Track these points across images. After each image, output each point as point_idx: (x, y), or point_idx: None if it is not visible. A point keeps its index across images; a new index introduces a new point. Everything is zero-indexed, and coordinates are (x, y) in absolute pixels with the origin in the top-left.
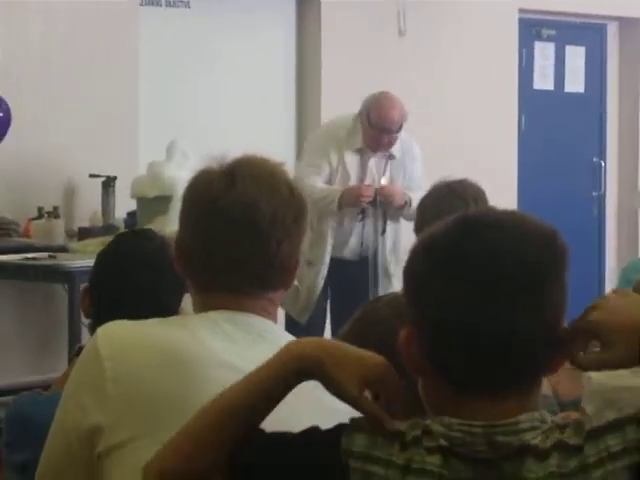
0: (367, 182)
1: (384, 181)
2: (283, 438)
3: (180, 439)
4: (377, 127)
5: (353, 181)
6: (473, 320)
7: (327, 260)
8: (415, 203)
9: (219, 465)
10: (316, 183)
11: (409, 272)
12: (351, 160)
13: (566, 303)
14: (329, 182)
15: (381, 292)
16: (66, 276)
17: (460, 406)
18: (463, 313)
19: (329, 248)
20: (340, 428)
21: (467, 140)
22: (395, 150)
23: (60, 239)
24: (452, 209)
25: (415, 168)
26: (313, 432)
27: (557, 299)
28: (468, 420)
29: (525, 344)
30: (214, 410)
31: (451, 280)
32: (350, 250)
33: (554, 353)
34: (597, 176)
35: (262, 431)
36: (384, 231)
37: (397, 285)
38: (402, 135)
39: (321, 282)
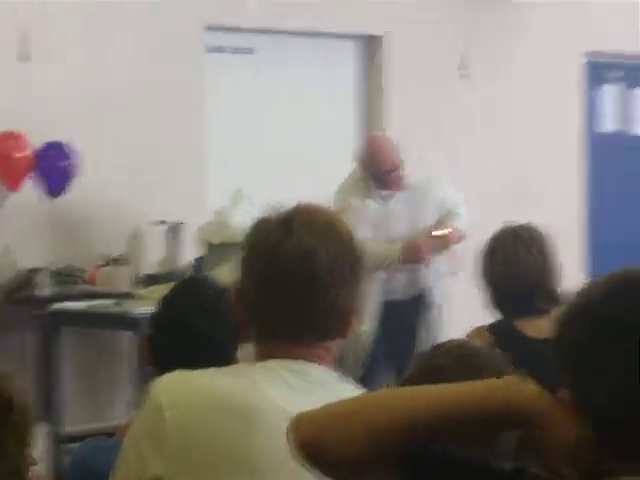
0: (393, 224)
1: (439, 232)
2: (462, 463)
3: (355, 426)
4: (378, 174)
5: (380, 225)
6: None
7: (375, 311)
8: (465, 228)
9: (369, 465)
10: (366, 237)
11: (565, 340)
12: (373, 206)
13: None
14: None
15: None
16: (132, 323)
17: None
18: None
19: (377, 298)
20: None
21: (532, 184)
22: (412, 178)
23: (126, 286)
24: (520, 258)
25: (440, 189)
26: (491, 467)
27: None
28: None
29: None
30: (403, 412)
31: (615, 349)
32: (401, 289)
33: None
34: None
35: (437, 448)
36: (454, 272)
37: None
38: (415, 162)
39: (373, 331)
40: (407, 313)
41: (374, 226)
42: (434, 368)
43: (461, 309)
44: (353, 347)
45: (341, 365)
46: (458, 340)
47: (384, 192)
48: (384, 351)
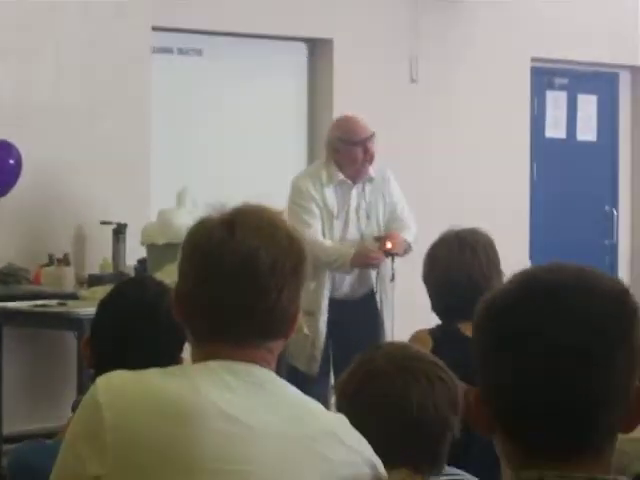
0: (351, 215)
1: (389, 245)
2: None
3: None
4: (358, 140)
5: (335, 215)
6: (542, 387)
7: (326, 305)
8: (412, 242)
9: None
10: (318, 235)
11: (476, 339)
12: (331, 195)
13: (638, 365)
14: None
15: (387, 333)
16: (76, 323)
17: (532, 466)
18: (531, 382)
19: (327, 293)
20: None
21: (478, 187)
22: (372, 172)
23: (70, 286)
24: (463, 261)
25: (394, 194)
26: None
27: (629, 362)
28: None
29: (596, 409)
30: None
31: (519, 351)
32: (350, 287)
33: (628, 415)
34: (609, 224)
35: None
36: (393, 278)
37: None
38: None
39: (324, 329)
40: (356, 314)
41: (329, 215)
42: (372, 371)
43: (406, 311)
44: (302, 344)
45: (292, 364)
46: (397, 343)
47: (347, 181)
48: (332, 351)
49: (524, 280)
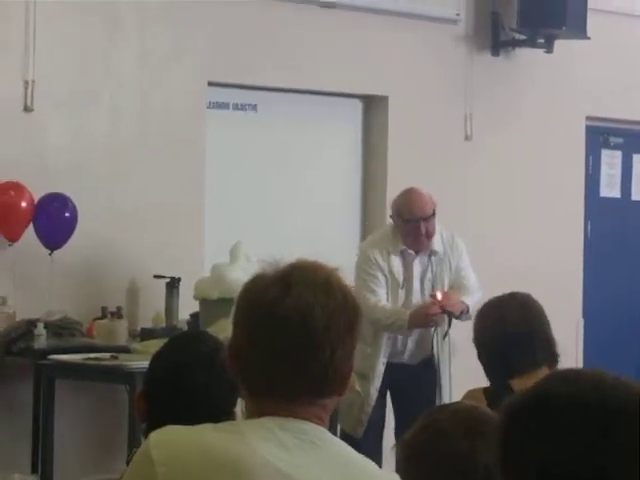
0: (415, 283)
1: (439, 295)
2: None
3: None
4: (412, 220)
5: (400, 284)
6: None
7: (381, 371)
8: (471, 307)
9: None
10: (380, 300)
11: (499, 436)
12: (397, 264)
13: None
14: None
15: (445, 394)
16: (127, 377)
17: None
18: None
19: (384, 359)
20: None
21: (532, 246)
22: (437, 245)
23: (123, 339)
24: (518, 313)
25: (462, 262)
26: None
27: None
28: None
29: None
30: None
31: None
32: (409, 354)
33: None
34: None
35: None
36: (446, 335)
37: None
38: (442, 232)
39: (375, 394)
40: (416, 377)
41: (394, 284)
42: (436, 432)
43: (464, 372)
44: (350, 405)
45: (340, 423)
46: (464, 403)
47: (410, 251)
48: (394, 411)
49: (537, 392)
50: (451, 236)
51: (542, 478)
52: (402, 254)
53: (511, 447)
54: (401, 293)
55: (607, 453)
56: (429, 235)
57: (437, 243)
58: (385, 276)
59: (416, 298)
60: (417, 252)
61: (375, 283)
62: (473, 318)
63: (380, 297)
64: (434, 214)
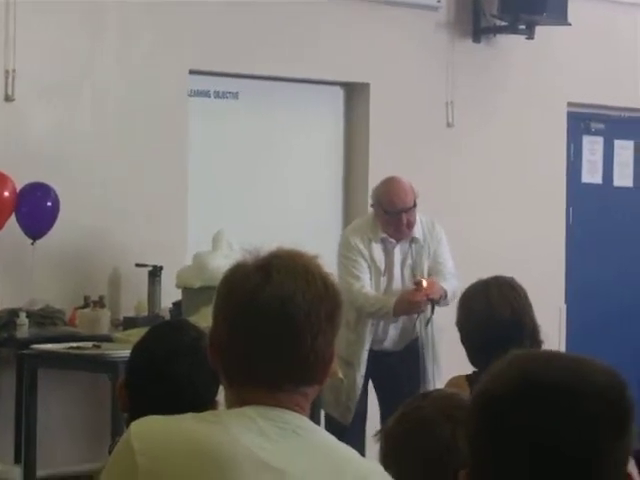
0: (395, 270)
1: (425, 283)
2: None
3: None
4: (392, 211)
5: (382, 271)
6: None
7: (365, 358)
8: (449, 293)
9: None
10: (364, 287)
11: (468, 427)
12: (378, 251)
13: (627, 457)
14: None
15: (429, 380)
16: (110, 366)
17: None
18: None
19: (367, 346)
20: None
21: (514, 233)
22: (417, 233)
23: (105, 328)
24: (504, 296)
25: (440, 248)
26: None
27: (618, 459)
28: None
29: None
30: None
31: (502, 448)
32: (391, 341)
33: None
34: None
35: None
36: (428, 322)
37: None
38: (422, 218)
39: (361, 381)
40: (398, 363)
41: (376, 271)
42: (420, 419)
43: (448, 358)
44: (337, 393)
45: (327, 410)
46: (444, 391)
47: (390, 239)
48: (378, 399)
49: (517, 378)
50: (431, 223)
51: (533, 461)
52: (383, 242)
53: (495, 433)
54: (382, 280)
55: (589, 440)
56: (410, 225)
57: (417, 231)
58: (367, 263)
59: (397, 285)
60: (397, 240)
61: (358, 269)
62: (457, 300)
63: (364, 283)
64: (415, 205)
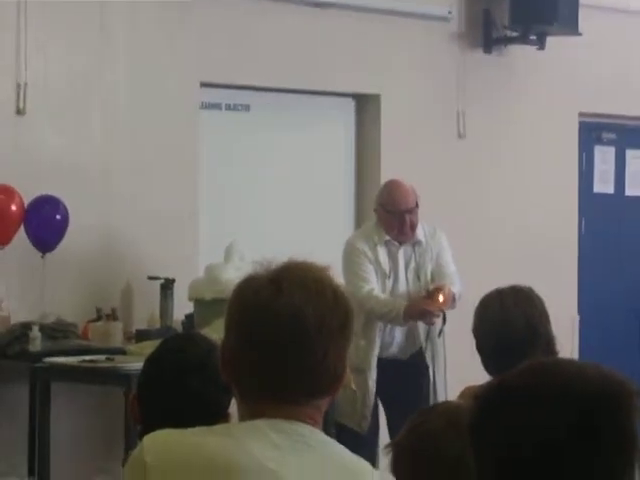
0: (400, 273)
1: (441, 298)
2: None
3: None
4: (395, 211)
5: (387, 274)
6: None
7: (375, 363)
8: (456, 296)
9: None
10: (374, 290)
11: (467, 423)
12: (383, 254)
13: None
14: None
15: (440, 391)
16: (123, 379)
17: None
18: None
19: (377, 351)
20: None
21: (527, 243)
22: (420, 236)
23: (118, 341)
24: (507, 311)
25: (443, 252)
26: None
27: (601, 471)
28: None
29: None
30: None
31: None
32: (398, 347)
33: None
34: None
35: None
36: (440, 333)
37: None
38: (423, 225)
39: (374, 387)
40: (405, 374)
41: (382, 274)
42: (426, 433)
43: (458, 369)
44: (352, 402)
45: (340, 422)
46: (451, 403)
47: (394, 242)
48: (385, 411)
49: (493, 385)
50: (433, 228)
51: (500, 466)
52: (387, 245)
53: (475, 435)
54: (388, 283)
55: (564, 446)
56: (413, 227)
57: (420, 234)
58: (373, 265)
59: (402, 287)
60: (401, 243)
61: (366, 272)
62: (475, 308)
63: (373, 285)
64: (417, 206)
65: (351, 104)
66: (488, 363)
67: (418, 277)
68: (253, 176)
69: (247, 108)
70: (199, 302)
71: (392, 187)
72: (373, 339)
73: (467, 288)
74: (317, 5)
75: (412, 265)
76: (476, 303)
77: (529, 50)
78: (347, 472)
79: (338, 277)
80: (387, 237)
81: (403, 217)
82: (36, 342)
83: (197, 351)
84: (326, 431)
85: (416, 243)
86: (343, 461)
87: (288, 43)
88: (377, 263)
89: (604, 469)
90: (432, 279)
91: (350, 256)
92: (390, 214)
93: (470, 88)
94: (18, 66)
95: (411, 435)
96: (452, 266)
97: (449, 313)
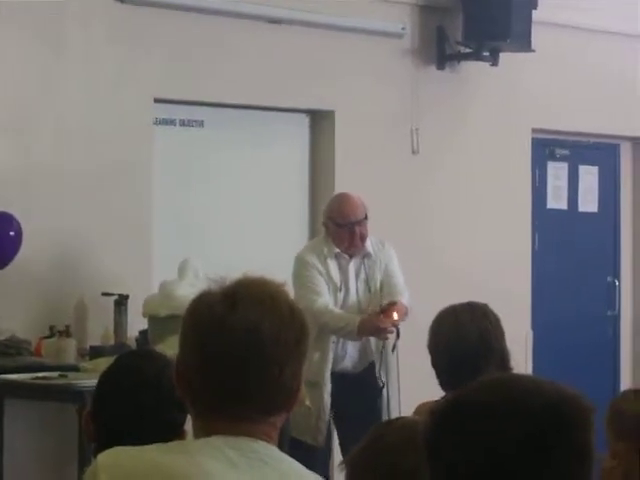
0: (351, 285)
1: (396, 316)
2: None
3: None
4: (345, 224)
5: (339, 287)
6: None
7: (329, 378)
8: (408, 309)
9: None
10: (329, 305)
11: (421, 438)
12: (334, 267)
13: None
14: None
15: (394, 407)
16: (77, 396)
17: None
18: None
19: (330, 364)
20: None
21: (479, 259)
22: (369, 248)
23: (72, 358)
24: (460, 326)
25: (392, 264)
26: None
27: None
28: None
29: None
30: None
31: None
32: (351, 361)
33: None
34: (611, 295)
35: None
36: (394, 348)
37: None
38: (371, 238)
39: (329, 400)
40: (358, 389)
41: (333, 287)
42: (383, 448)
43: (413, 386)
44: (306, 416)
45: (294, 437)
46: (407, 418)
47: (344, 255)
48: (336, 426)
49: (448, 402)
50: (380, 242)
51: (450, 477)
52: (337, 258)
53: (431, 450)
54: (339, 295)
55: (511, 459)
56: (363, 238)
57: (369, 246)
58: (324, 279)
59: (352, 299)
60: (351, 256)
61: (318, 285)
62: (430, 324)
63: (326, 298)
64: (366, 217)
65: (305, 120)
66: (443, 378)
67: (369, 288)
68: (207, 192)
69: (201, 124)
70: (153, 318)
71: (341, 200)
72: (327, 352)
73: (419, 304)
74: (272, 21)
75: (362, 276)
76: (429, 319)
77: (482, 66)
78: None
79: (293, 293)
80: (337, 250)
81: (353, 229)
82: None
83: (152, 368)
84: (280, 446)
85: (365, 255)
86: (299, 478)
87: (243, 59)
88: (328, 276)
89: None
90: (381, 289)
91: (301, 270)
92: (340, 227)
93: (424, 104)
94: None
95: (367, 451)
96: (401, 279)
97: (402, 329)
